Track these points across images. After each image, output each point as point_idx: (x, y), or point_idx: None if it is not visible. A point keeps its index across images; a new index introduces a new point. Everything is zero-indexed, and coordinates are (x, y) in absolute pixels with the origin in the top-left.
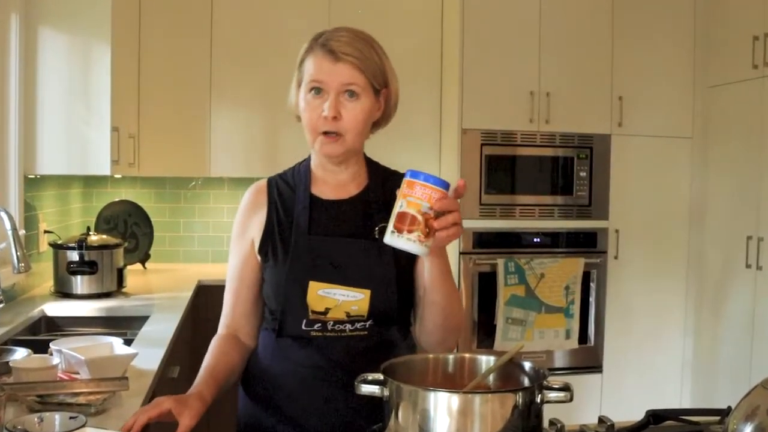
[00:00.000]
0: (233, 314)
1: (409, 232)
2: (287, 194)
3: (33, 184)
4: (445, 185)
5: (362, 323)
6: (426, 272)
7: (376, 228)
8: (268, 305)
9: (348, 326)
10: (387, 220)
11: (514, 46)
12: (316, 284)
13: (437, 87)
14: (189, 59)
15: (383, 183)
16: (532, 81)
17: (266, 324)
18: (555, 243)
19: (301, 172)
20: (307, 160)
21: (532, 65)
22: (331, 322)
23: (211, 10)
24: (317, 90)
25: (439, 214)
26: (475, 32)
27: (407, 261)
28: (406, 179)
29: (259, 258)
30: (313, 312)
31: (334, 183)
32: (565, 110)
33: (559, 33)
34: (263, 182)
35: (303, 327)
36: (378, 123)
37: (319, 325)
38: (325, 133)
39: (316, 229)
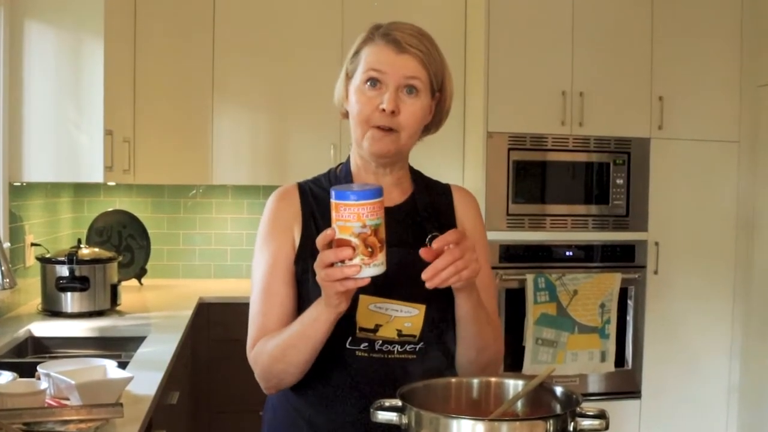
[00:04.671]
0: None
1: (350, 259)
2: (324, 200)
3: (19, 192)
4: (371, 193)
5: (412, 345)
6: (456, 308)
7: (428, 238)
8: None
9: (397, 347)
10: (437, 229)
11: (544, 42)
12: (368, 298)
13: (460, 86)
14: (189, 56)
15: (428, 191)
16: (564, 80)
17: None
18: (589, 257)
19: (339, 176)
20: (345, 164)
21: (564, 62)
22: (379, 342)
23: (213, 2)
24: (374, 81)
25: (377, 228)
26: (502, 26)
27: None
28: (331, 201)
29: (294, 270)
30: (362, 329)
31: None
32: (600, 112)
33: (593, 27)
34: (292, 187)
35: (347, 345)
36: (428, 128)
37: (366, 344)
38: (378, 127)
39: None
